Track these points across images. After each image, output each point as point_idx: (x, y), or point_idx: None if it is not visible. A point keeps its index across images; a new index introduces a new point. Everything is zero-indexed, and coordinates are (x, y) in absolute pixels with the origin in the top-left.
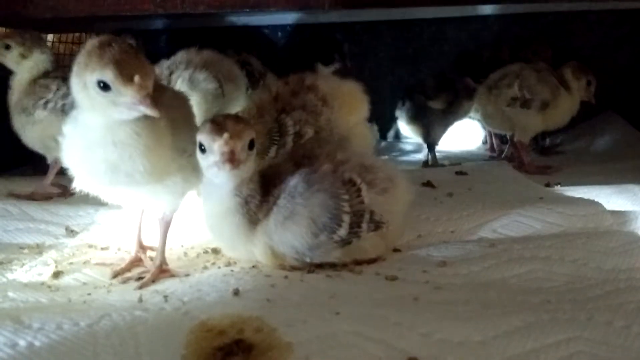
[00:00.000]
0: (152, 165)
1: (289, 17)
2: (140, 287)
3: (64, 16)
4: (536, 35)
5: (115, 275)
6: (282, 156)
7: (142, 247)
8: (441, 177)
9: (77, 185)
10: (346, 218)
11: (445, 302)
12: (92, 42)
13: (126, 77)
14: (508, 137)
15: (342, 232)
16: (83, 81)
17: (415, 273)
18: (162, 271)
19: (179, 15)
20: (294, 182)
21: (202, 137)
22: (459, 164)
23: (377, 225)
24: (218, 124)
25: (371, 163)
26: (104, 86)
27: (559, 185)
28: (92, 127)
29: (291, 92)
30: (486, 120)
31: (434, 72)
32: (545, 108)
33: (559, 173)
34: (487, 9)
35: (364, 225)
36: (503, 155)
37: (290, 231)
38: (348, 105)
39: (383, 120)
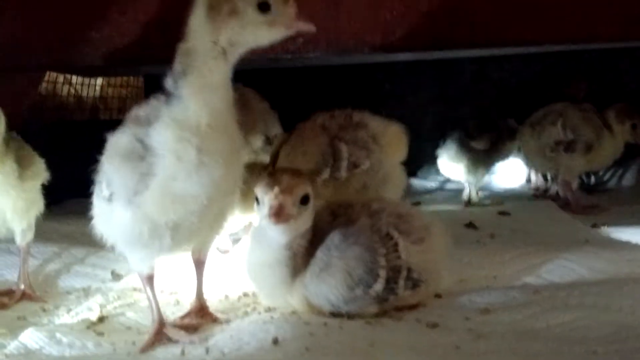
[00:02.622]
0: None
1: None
2: (141, 351)
3: (115, 63)
4: (581, 73)
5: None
6: (319, 206)
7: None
8: (483, 217)
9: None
10: (382, 273)
11: (488, 352)
12: None
13: None
14: (552, 176)
15: (378, 287)
16: (232, 9)
17: (456, 320)
18: (159, 333)
19: None
20: (331, 234)
21: (257, 190)
22: (502, 204)
23: (414, 284)
24: (273, 177)
25: (406, 212)
26: (265, 7)
27: (605, 226)
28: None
29: (339, 126)
30: (528, 159)
31: (475, 111)
32: (590, 151)
33: (605, 213)
34: (528, 47)
35: (401, 282)
36: (548, 194)
37: (325, 283)
38: (393, 146)
39: (423, 160)
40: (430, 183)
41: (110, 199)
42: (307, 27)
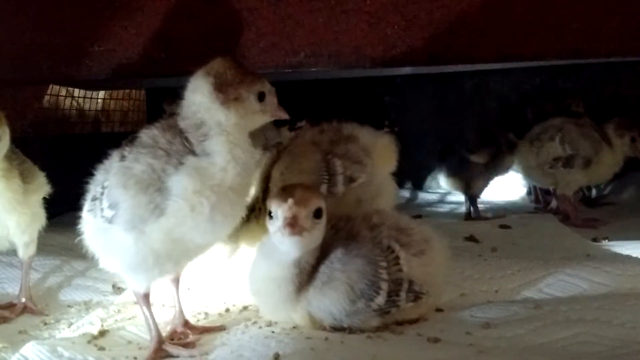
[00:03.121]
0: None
1: (331, 73)
2: None
3: (118, 77)
4: (580, 86)
5: None
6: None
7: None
8: (484, 230)
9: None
10: (384, 286)
11: None
12: (226, 64)
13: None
14: (552, 190)
15: (380, 300)
16: (236, 96)
17: (458, 335)
18: (158, 350)
19: None
20: (333, 247)
21: (271, 203)
22: (503, 217)
23: (416, 296)
24: (286, 190)
25: (406, 225)
26: (262, 97)
27: (606, 240)
28: None
29: (330, 141)
30: (527, 173)
31: (475, 125)
32: (588, 165)
33: (606, 226)
34: (528, 62)
35: (403, 294)
36: (549, 208)
37: (327, 297)
38: (384, 157)
39: (424, 173)
40: (431, 196)
41: (111, 220)
42: (284, 114)
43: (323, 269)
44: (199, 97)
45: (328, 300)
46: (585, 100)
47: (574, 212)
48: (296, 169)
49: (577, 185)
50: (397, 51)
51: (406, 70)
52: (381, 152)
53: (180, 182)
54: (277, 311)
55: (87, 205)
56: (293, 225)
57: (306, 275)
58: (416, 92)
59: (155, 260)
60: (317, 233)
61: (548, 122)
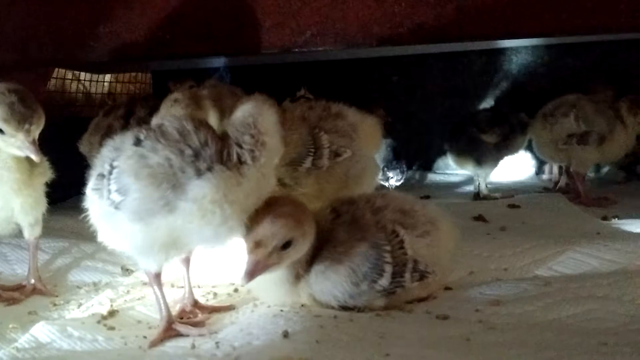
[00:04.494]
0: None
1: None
2: (151, 346)
3: (123, 59)
4: (589, 65)
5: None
6: (322, 206)
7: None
8: (493, 210)
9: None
10: (388, 268)
11: (499, 344)
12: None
13: None
14: (564, 167)
15: (384, 282)
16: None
17: (467, 312)
18: (168, 329)
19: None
20: (335, 232)
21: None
22: (512, 196)
23: (421, 275)
24: (254, 222)
25: (411, 207)
26: None
27: (616, 219)
28: None
29: (318, 117)
30: (540, 150)
31: (484, 105)
32: (602, 142)
33: (616, 205)
34: (538, 39)
35: (407, 275)
36: (557, 187)
37: (330, 280)
38: (370, 137)
39: (433, 153)
40: (439, 177)
41: (117, 206)
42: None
43: (325, 253)
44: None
45: (331, 284)
46: (598, 80)
47: (585, 191)
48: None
49: (591, 163)
50: (405, 29)
51: (414, 49)
52: (367, 131)
53: (201, 188)
54: (281, 300)
55: (92, 182)
56: (252, 273)
57: (305, 262)
58: (424, 72)
59: (160, 247)
60: (292, 256)
61: (562, 98)
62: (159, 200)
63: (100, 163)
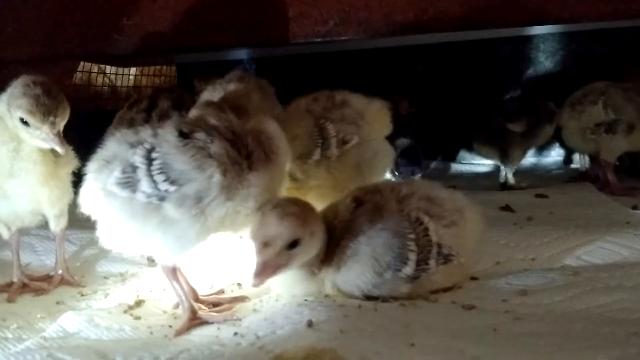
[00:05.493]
0: None
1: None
2: (176, 335)
3: (147, 51)
4: (617, 52)
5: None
6: (342, 196)
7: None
8: (520, 200)
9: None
10: (412, 256)
11: (526, 334)
12: None
13: None
14: (593, 157)
15: (408, 270)
16: None
17: (493, 302)
18: (192, 319)
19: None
20: (358, 220)
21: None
22: (539, 186)
23: (446, 259)
24: (260, 221)
25: (437, 195)
26: None
27: None
28: None
29: (323, 107)
30: (568, 138)
31: (511, 94)
32: (631, 131)
33: None
34: (565, 26)
35: (432, 262)
36: (586, 176)
37: (353, 270)
38: (378, 121)
39: (458, 143)
40: (464, 167)
41: (164, 197)
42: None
43: (347, 242)
44: None
45: (353, 274)
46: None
47: (614, 180)
48: (290, 136)
49: (620, 152)
50: (429, 17)
51: (439, 37)
52: (375, 116)
53: (256, 178)
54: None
55: (113, 178)
56: (261, 274)
57: (319, 261)
58: (449, 61)
59: (200, 236)
60: (302, 256)
61: (590, 86)
62: (222, 189)
63: (120, 159)
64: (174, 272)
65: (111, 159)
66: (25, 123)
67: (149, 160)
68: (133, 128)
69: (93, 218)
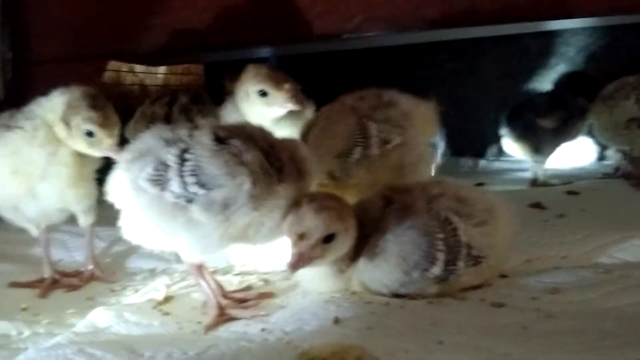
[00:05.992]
0: None
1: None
2: (206, 331)
3: (173, 50)
4: None
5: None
6: (371, 194)
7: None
8: (551, 197)
9: None
10: (440, 256)
11: (557, 332)
12: None
13: None
14: (627, 153)
15: (437, 270)
16: None
17: (523, 300)
18: (220, 315)
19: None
20: (386, 219)
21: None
22: (570, 183)
23: (476, 260)
24: (296, 215)
25: (467, 195)
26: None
27: None
28: None
29: (369, 106)
30: (601, 134)
31: (541, 89)
32: None
33: None
34: (596, 20)
35: (461, 263)
36: (620, 173)
37: (380, 269)
38: (425, 124)
39: (488, 139)
40: (494, 164)
41: (192, 200)
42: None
43: (374, 240)
44: None
45: (380, 272)
46: None
47: None
48: (329, 134)
49: None
50: (457, 11)
51: (467, 32)
52: (422, 118)
53: (285, 190)
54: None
55: (145, 174)
56: (296, 264)
57: (348, 259)
58: (478, 56)
59: (223, 241)
60: (335, 251)
61: (622, 80)
62: (251, 197)
63: (154, 156)
64: (200, 269)
65: (145, 152)
66: (89, 134)
67: (182, 160)
68: (155, 122)
69: (118, 208)
